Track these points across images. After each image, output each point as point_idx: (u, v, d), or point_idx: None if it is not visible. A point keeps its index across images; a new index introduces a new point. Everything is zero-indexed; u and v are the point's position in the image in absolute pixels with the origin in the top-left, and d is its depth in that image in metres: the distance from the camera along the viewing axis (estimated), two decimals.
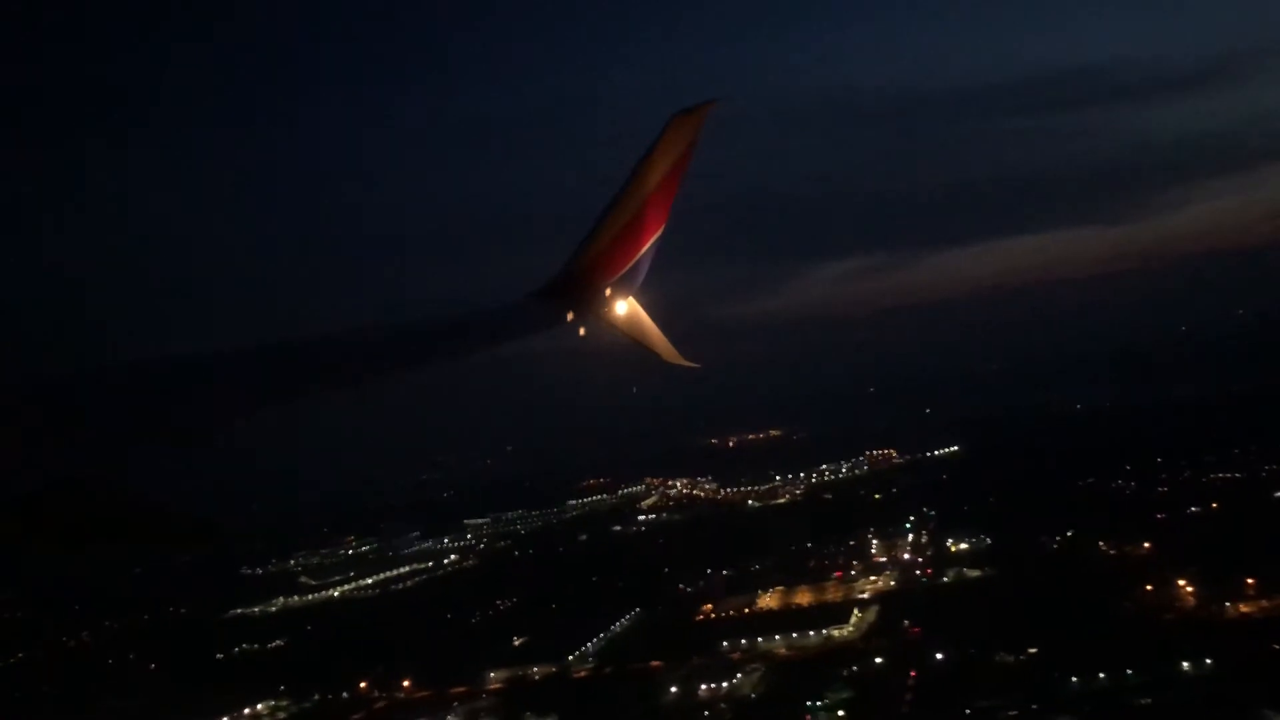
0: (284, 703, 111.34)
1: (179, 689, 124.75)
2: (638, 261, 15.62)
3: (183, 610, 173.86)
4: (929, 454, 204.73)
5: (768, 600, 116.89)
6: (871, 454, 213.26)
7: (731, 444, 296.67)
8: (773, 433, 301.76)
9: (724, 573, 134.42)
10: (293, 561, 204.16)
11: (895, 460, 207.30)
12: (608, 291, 15.29)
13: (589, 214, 15.16)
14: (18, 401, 7.66)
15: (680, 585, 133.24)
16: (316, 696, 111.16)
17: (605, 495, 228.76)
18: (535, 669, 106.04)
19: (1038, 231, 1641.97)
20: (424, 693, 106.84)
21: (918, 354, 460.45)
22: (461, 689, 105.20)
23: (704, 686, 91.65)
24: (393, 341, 11.82)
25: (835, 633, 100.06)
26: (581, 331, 14.74)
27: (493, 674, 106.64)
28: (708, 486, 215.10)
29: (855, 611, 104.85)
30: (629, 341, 15.87)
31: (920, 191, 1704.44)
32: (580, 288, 14.76)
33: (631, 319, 15.86)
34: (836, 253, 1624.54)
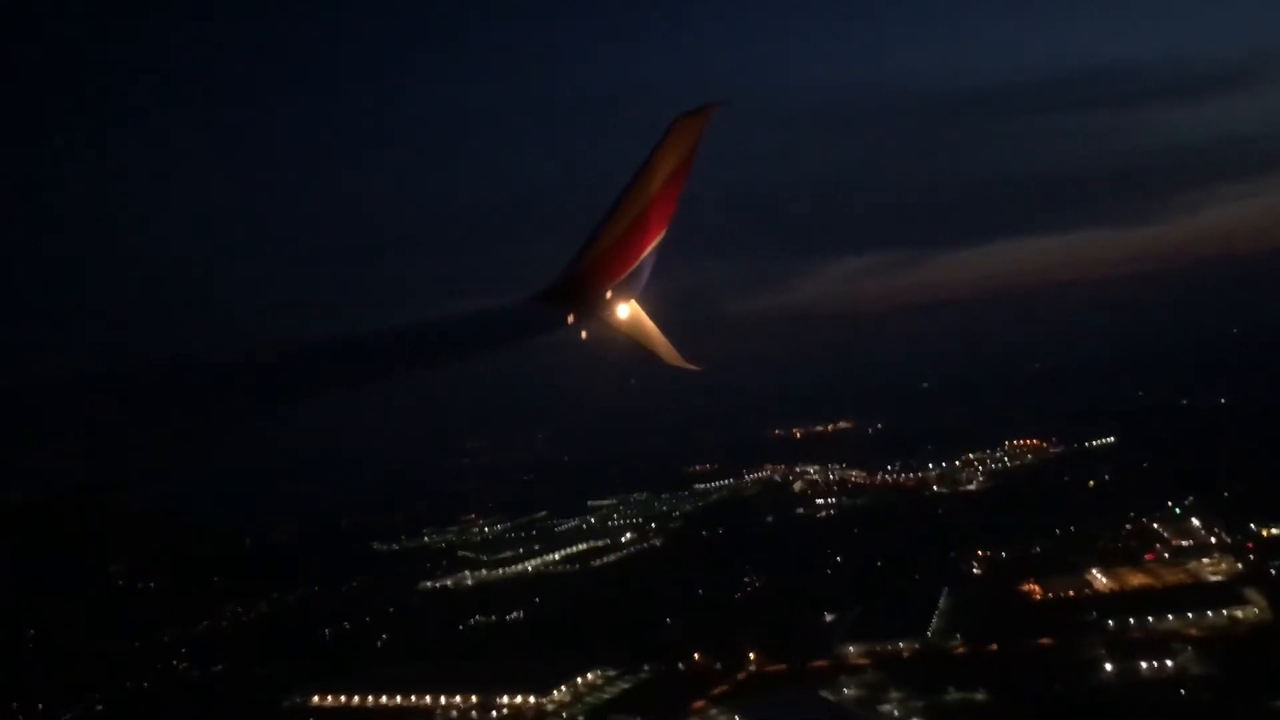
0: (610, 673, 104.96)
1: (450, 658, 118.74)
2: (640, 265, 15.65)
3: (354, 584, 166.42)
4: (1088, 444, 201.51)
5: (1102, 581, 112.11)
6: (1019, 444, 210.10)
7: (799, 435, 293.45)
8: (841, 425, 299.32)
9: (1002, 554, 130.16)
10: (426, 539, 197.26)
11: (1052, 450, 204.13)
12: (609, 294, 15.38)
13: (591, 215, 15.30)
14: (46, 401, 7.81)
15: (959, 567, 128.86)
16: (647, 667, 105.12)
17: (729, 480, 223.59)
18: (900, 644, 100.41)
19: (1061, 231, 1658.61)
20: (777, 666, 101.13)
21: (951, 352, 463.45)
22: (822, 663, 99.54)
23: (1144, 665, 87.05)
24: (398, 345, 12.27)
25: (1239, 614, 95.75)
26: (583, 334, 14.89)
27: (851, 648, 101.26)
28: (858, 473, 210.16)
29: (1237, 594, 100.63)
30: (630, 344, 15.96)
31: (938, 190, 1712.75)
32: (582, 290, 14.92)
33: (633, 322, 15.96)
34: (854, 250, 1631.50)
